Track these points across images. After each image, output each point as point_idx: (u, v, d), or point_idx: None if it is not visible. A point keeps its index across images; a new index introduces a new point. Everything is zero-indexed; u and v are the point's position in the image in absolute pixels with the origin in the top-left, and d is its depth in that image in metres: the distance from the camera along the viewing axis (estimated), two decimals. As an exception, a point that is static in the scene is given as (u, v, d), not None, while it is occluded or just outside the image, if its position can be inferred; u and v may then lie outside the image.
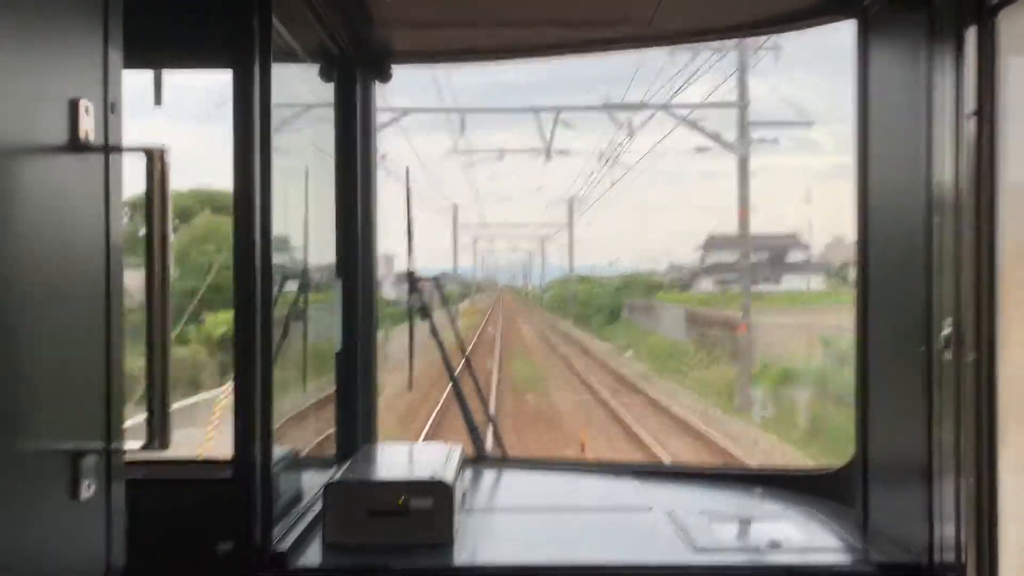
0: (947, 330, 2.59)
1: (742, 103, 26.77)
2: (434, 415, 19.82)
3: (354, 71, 3.99)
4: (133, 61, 1.96)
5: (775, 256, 65.62)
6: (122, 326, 1.86)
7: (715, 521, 3.30)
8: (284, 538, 2.89)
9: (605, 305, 59.11)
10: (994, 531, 2.47)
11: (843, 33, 3.30)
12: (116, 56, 1.84)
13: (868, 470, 3.16)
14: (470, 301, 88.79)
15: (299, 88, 3.61)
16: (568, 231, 71.18)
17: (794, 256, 68.92)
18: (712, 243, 66.98)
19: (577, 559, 3.00)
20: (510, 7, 3.71)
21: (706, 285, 62.50)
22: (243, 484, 2.68)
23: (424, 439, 17.04)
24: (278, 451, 2.94)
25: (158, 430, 1.91)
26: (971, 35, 2.52)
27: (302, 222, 3.61)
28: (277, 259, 2.88)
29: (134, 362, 1.92)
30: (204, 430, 14.25)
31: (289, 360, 3.44)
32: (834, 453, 14.14)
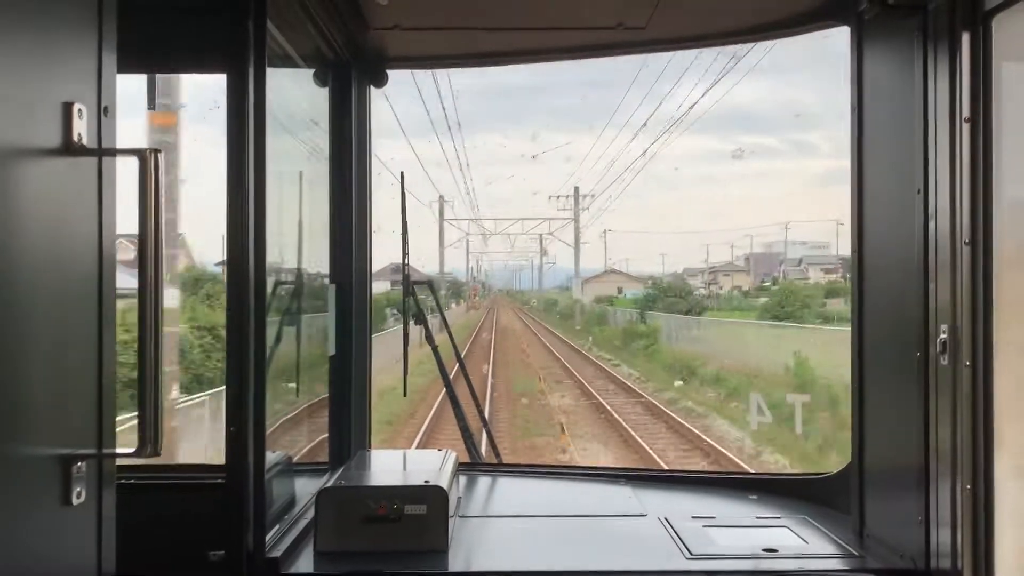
0: (943, 335, 2.59)
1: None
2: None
3: (349, 75, 3.98)
4: (127, 64, 1.95)
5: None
6: (114, 331, 1.85)
7: (710, 527, 3.29)
8: (277, 545, 2.87)
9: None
10: (990, 537, 2.46)
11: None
12: (110, 59, 1.83)
13: (864, 475, 3.15)
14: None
15: (294, 92, 3.60)
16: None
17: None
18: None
19: (571, 565, 2.99)
20: (504, 12, 3.71)
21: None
22: (236, 490, 2.67)
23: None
24: (271, 457, 2.92)
25: (150, 436, 1.89)
26: (966, 41, 2.52)
27: (296, 227, 3.60)
28: (270, 264, 2.86)
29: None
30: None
31: (282, 366, 3.42)
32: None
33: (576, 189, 63.13)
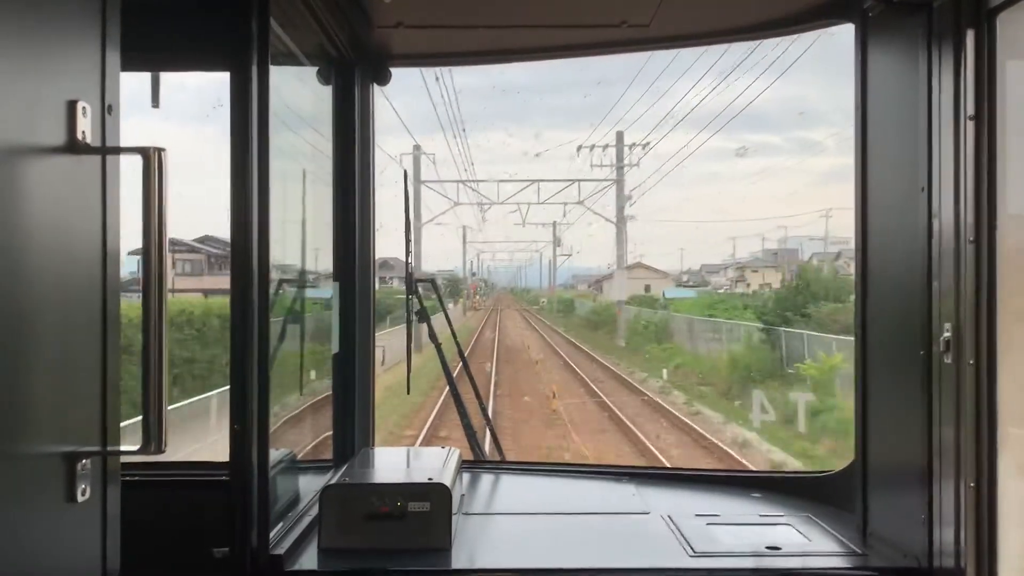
0: (947, 334, 2.58)
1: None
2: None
3: (353, 73, 3.98)
4: (131, 63, 1.96)
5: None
6: (118, 328, 1.85)
7: (713, 525, 3.29)
8: (281, 542, 2.88)
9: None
10: (994, 536, 2.46)
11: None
12: (114, 57, 1.83)
13: (868, 474, 3.15)
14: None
15: (297, 90, 3.60)
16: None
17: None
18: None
19: (574, 563, 2.99)
20: (508, 10, 3.71)
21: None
22: (240, 487, 2.67)
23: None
24: (275, 454, 2.93)
25: (154, 433, 1.89)
26: (970, 38, 2.52)
27: (299, 224, 3.60)
28: (274, 262, 2.87)
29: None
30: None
31: (286, 363, 3.42)
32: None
33: (620, 135, 40.13)
